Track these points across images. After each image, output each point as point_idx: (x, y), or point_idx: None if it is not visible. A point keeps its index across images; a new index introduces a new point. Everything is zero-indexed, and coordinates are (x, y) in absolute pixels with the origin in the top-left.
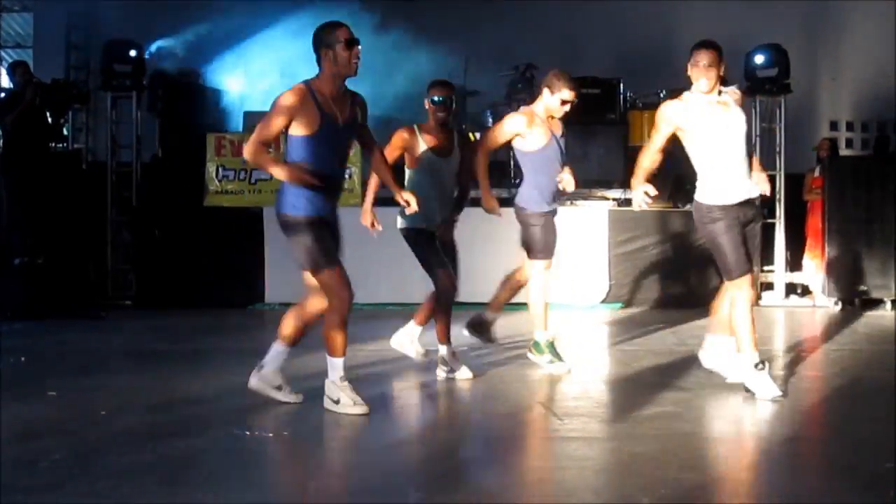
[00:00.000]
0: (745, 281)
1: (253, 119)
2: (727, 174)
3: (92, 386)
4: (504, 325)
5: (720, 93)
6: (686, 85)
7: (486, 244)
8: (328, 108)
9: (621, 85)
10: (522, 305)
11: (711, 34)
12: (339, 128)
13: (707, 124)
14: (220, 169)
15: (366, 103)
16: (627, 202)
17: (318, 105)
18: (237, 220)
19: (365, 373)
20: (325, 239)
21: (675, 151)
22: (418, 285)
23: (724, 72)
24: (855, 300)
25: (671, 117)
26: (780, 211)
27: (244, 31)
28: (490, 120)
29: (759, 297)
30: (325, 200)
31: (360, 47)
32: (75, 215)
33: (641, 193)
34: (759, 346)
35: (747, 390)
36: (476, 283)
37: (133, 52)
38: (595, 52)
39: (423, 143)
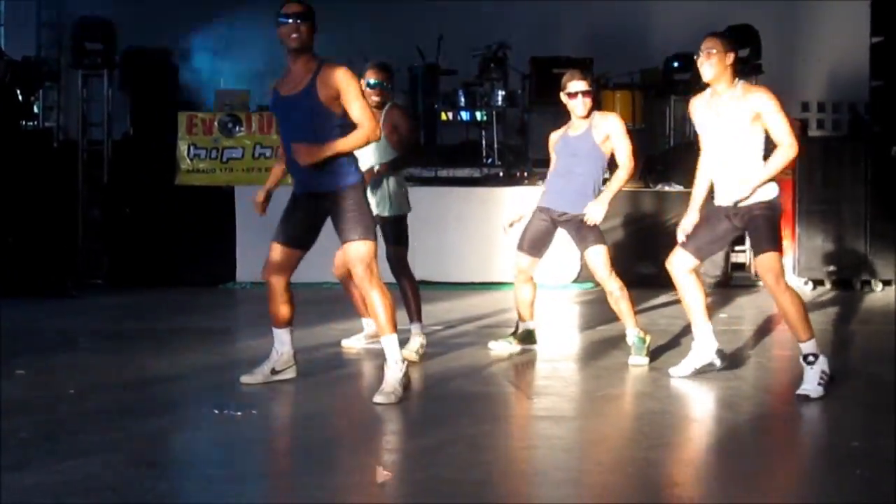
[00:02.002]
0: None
1: (224, 97)
2: (715, 176)
3: (61, 364)
4: (475, 305)
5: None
6: (657, 63)
7: (459, 224)
8: (279, 82)
9: (593, 64)
10: (496, 285)
11: (684, 14)
12: (283, 100)
13: (701, 122)
14: (191, 147)
15: (337, 74)
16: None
17: (278, 80)
18: (209, 199)
19: (334, 351)
20: (285, 213)
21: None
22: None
23: (731, 62)
24: (825, 280)
25: (691, 112)
26: None
27: (216, 9)
28: (462, 99)
29: (730, 278)
30: (294, 177)
31: (290, 22)
32: (46, 194)
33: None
34: (732, 325)
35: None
36: (448, 263)
37: (104, 30)
38: (568, 32)
39: None
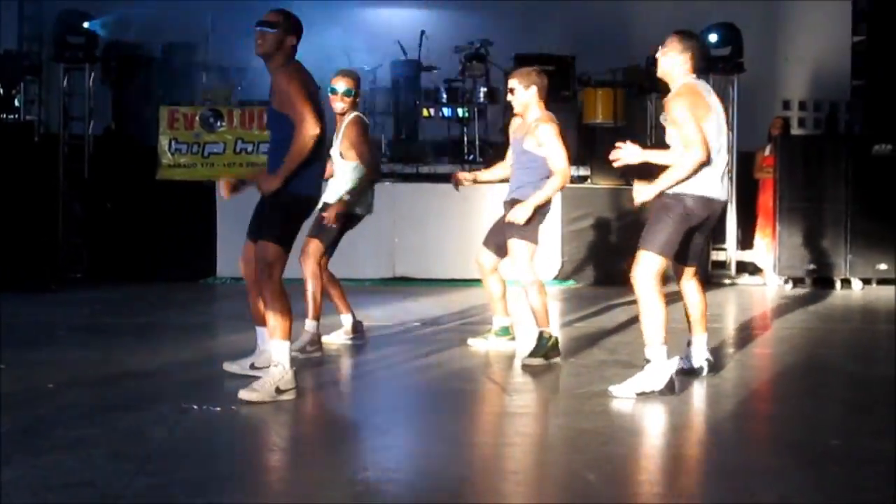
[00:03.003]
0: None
1: (206, 93)
2: None
3: (40, 359)
4: (456, 301)
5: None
6: (639, 61)
7: (440, 220)
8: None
9: (575, 62)
10: (477, 282)
11: (665, 12)
12: (267, 107)
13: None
14: (172, 142)
15: (278, 78)
16: (580, 179)
17: None
18: (190, 194)
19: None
20: (255, 209)
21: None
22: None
23: (689, 60)
24: (805, 279)
25: None
26: (731, 189)
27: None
28: (444, 95)
29: (710, 276)
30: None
31: (257, 29)
32: (26, 187)
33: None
34: (713, 324)
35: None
36: (429, 260)
37: (86, 24)
38: (551, 29)
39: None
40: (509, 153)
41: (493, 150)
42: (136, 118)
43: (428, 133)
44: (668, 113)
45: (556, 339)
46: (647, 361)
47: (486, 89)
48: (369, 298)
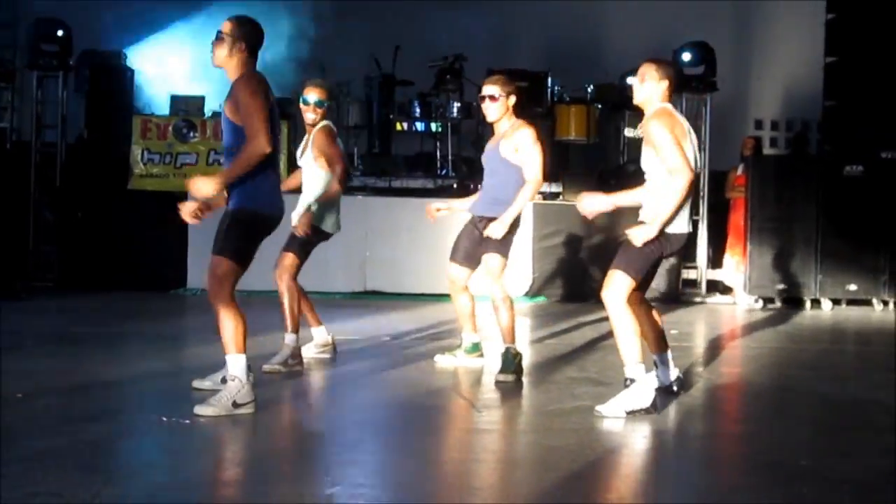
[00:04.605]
0: None
1: (179, 103)
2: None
3: (8, 368)
4: (427, 316)
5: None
6: (612, 79)
7: (411, 234)
8: None
9: (549, 78)
10: (448, 297)
11: (639, 30)
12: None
13: None
14: (145, 152)
15: (234, 86)
16: (552, 196)
17: None
18: (161, 204)
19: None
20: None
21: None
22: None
23: (667, 89)
24: (775, 298)
25: None
26: (703, 208)
27: (173, 14)
28: (418, 110)
29: (680, 294)
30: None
31: (212, 40)
32: None
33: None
34: (682, 342)
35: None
36: (400, 274)
37: (61, 32)
38: (525, 45)
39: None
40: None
41: (467, 166)
42: (109, 127)
43: (401, 147)
44: (647, 136)
45: (521, 356)
46: (631, 381)
47: (459, 104)
48: (340, 312)
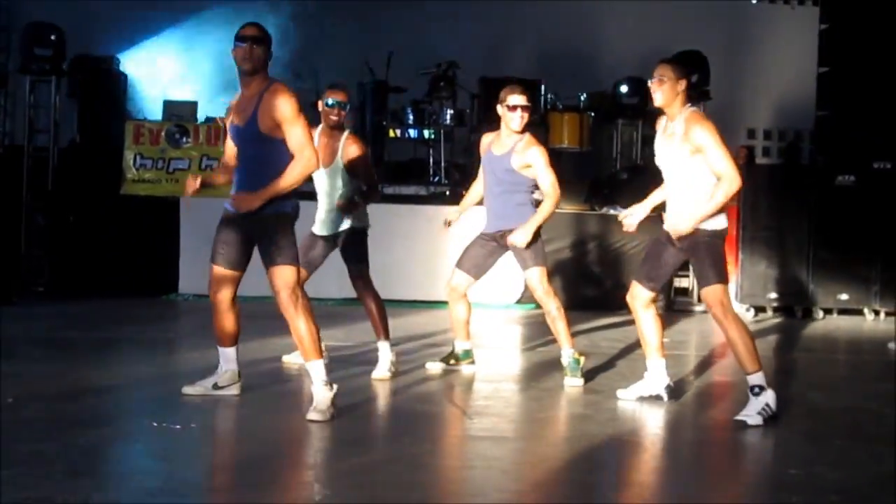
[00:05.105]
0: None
1: (173, 108)
2: (667, 199)
3: None
4: (420, 323)
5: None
6: (606, 87)
7: (405, 241)
8: (234, 106)
9: (542, 86)
10: (441, 303)
11: (632, 39)
12: (234, 127)
13: (657, 146)
14: (137, 157)
15: (276, 101)
16: None
17: (233, 103)
18: (153, 209)
19: (275, 367)
20: (218, 232)
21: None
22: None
23: (683, 88)
24: (767, 308)
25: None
26: None
27: (166, 20)
28: (411, 117)
29: (672, 303)
30: (232, 197)
31: (245, 45)
32: None
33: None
34: (675, 350)
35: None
36: (393, 281)
37: (53, 36)
38: (518, 53)
39: None
40: (481, 172)
41: (459, 173)
42: (101, 132)
43: (394, 154)
44: (692, 140)
45: (583, 359)
46: (756, 392)
47: (452, 111)
48: (333, 318)
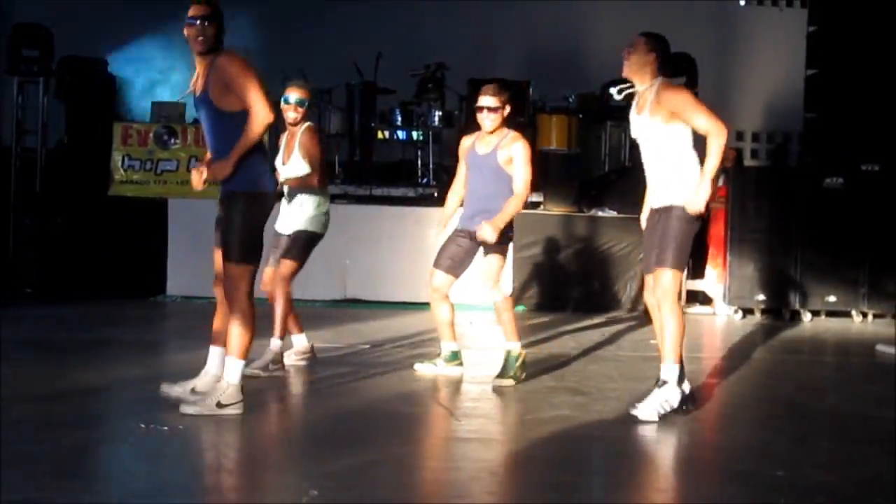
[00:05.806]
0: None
1: (161, 109)
2: (649, 178)
3: None
4: (406, 324)
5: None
6: (594, 89)
7: (392, 242)
8: (192, 84)
9: (530, 88)
10: (428, 305)
11: (621, 40)
12: (195, 102)
13: (632, 123)
14: (125, 158)
15: (221, 63)
16: (533, 205)
17: (192, 82)
18: (141, 211)
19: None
20: (216, 220)
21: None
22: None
23: (652, 60)
24: (755, 310)
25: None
26: None
27: (154, 21)
28: (399, 118)
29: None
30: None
31: (196, 24)
32: None
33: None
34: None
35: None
36: (380, 282)
37: (42, 37)
38: (507, 54)
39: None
40: (462, 172)
41: (448, 174)
42: (89, 133)
43: (382, 155)
44: (666, 104)
45: (524, 357)
46: (660, 384)
47: (441, 113)
48: (320, 320)
